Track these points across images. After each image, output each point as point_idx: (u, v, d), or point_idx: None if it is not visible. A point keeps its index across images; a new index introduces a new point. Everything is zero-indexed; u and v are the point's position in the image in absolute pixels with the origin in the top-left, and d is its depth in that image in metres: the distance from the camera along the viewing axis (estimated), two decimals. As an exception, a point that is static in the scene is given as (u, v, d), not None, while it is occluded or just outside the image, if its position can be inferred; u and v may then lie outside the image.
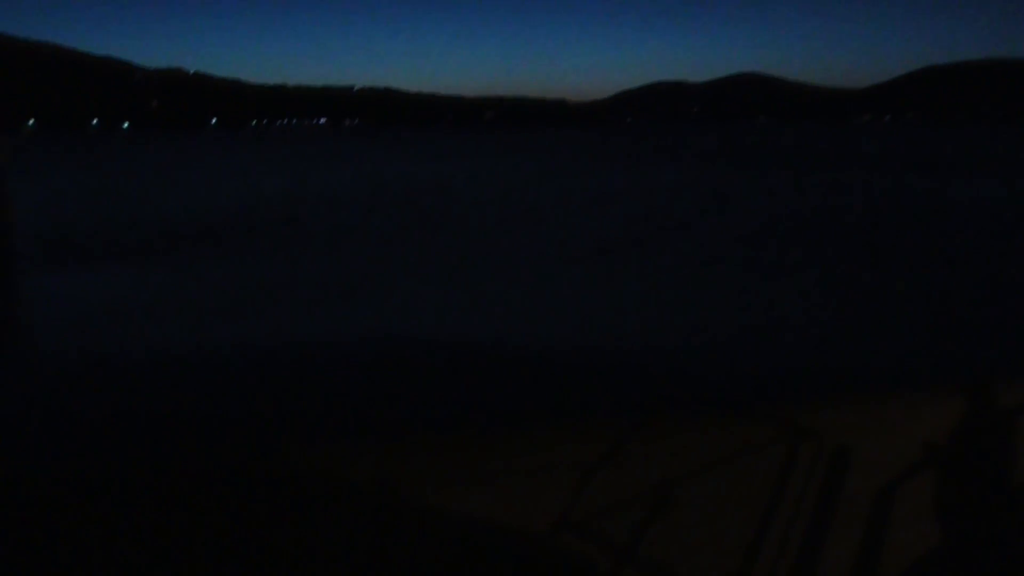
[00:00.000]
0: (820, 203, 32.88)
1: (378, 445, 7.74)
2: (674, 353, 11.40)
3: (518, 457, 6.99)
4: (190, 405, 9.29)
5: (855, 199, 34.53)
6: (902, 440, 6.89)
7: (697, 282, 16.94)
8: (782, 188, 40.26)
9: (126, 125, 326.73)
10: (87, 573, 5.04)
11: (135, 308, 14.62)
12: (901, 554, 5.05)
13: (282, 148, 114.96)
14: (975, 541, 5.30)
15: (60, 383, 10.22)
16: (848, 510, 5.58)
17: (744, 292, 15.81)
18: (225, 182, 49.22)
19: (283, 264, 19.68)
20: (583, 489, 6.07)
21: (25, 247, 21.60)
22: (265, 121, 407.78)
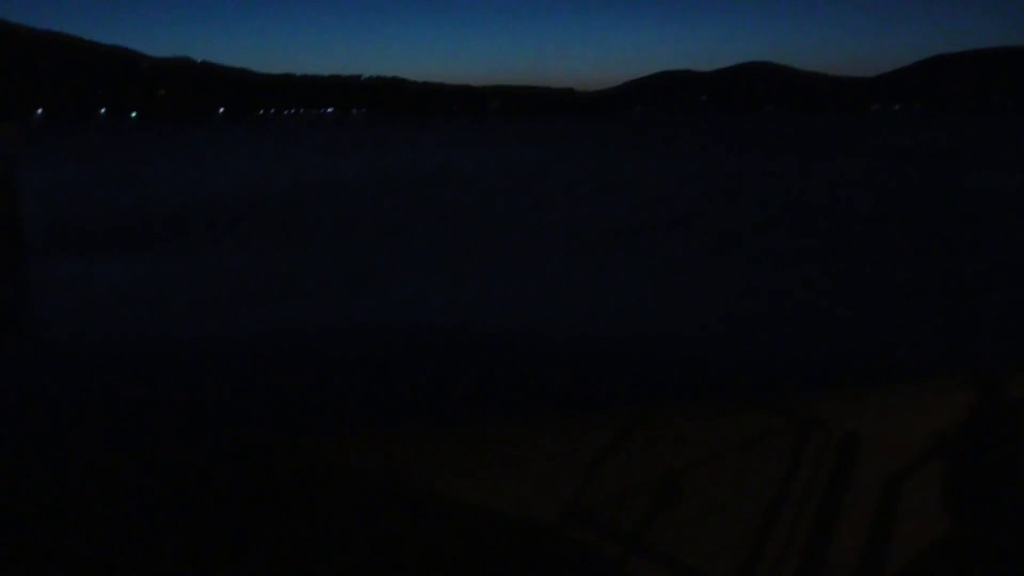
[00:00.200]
0: (829, 192, 32.73)
1: (386, 435, 7.74)
2: (683, 342, 11.37)
3: (526, 447, 6.98)
4: (198, 394, 9.31)
5: (864, 188, 34.35)
6: (910, 430, 6.85)
7: (706, 271, 16.89)
8: (791, 177, 40.07)
9: (133, 114, 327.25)
10: (94, 564, 5.03)
11: (142, 297, 14.66)
12: (909, 544, 5.02)
13: (289, 137, 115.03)
14: (983, 531, 5.30)
15: (67, 372, 10.26)
16: (856, 500, 5.56)
17: (753, 281, 15.75)
18: (232, 171, 49.27)
19: (290, 253, 19.70)
20: (591, 478, 6.06)
21: (33, 236, 21.67)
22: (272, 110, 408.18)
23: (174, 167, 53.60)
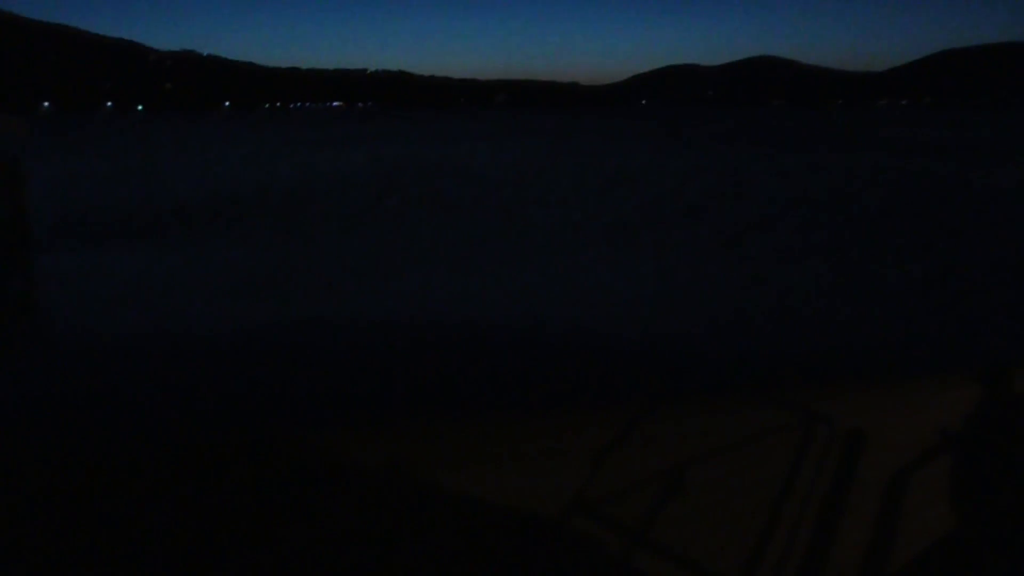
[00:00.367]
0: (836, 188, 32.61)
1: (391, 428, 7.76)
2: (688, 336, 11.36)
3: (531, 440, 6.99)
4: (202, 388, 9.34)
5: (871, 184, 34.22)
6: (916, 425, 6.84)
7: (711, 265, 16.86)
8: (798, 172, 39.94)
9: (140, 107, 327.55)
10: (99, 555, 5.04)
11: (148, 289, 14.70)
12: (913, 540, 5.03)
13: (295, 130, 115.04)
14: (987, 526, 5.30)
15: (73, 364, 10.30)
16: (860, 495, 5.56)
17: (758, 276, 15.72)
18: (239, 164, 49.32)
19: (295, 246, 19.72)
20: (596, 472, 6.06)
21: (40, 229, 21.74)
22: (279, 104, 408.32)
23: (180, 160, 53.66)
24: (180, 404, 8.78)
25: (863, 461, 6.11)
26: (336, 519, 5.43)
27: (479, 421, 7.96)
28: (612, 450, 6.49)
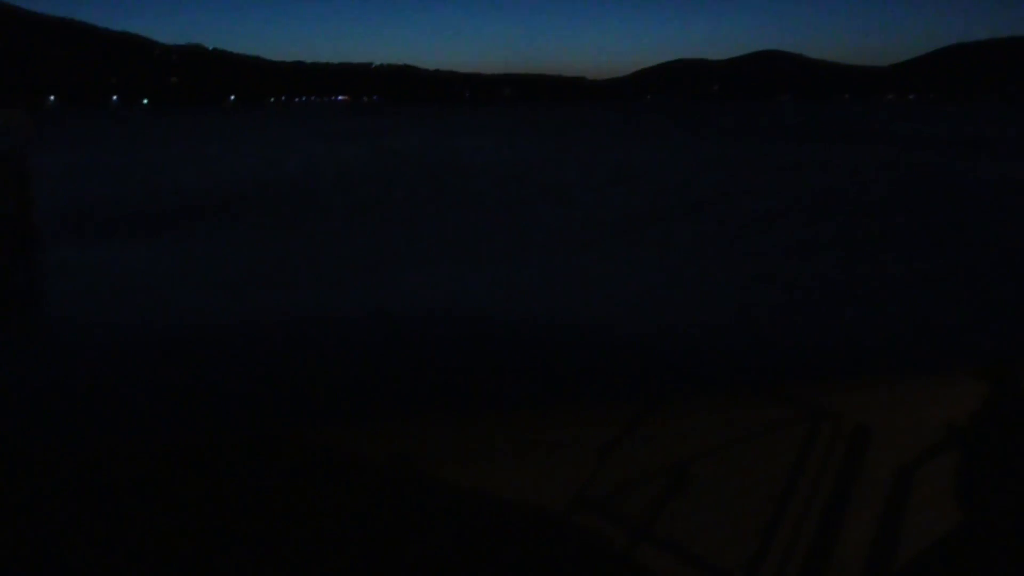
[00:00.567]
0: (842, 182, 32.49)
1: (395, 423, 7.76)
2: (694, 331, 11.33)
3: (535, 436, 6.98)
4: (207, 382, 9.35)
5: (879, 178, 34.09)
6: (921, 421, 6.82)
7: (718, 260, 16.82)
8: (804, 167, 39.81)
9: (145, 101, 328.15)
10: (101, 550, 5.03)
11: (154, 283, 14.72)
12: (918, 536, 5.02)
13: (301, 124, 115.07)
14: (993, 522, 5.30)
15: (78, 357, 10.32)
16: (866, 491, 5.54)
17: (765, 270, 15.68)
18: (244, 158, 49.35)
19: (301, 240, 19.73)
20: (601, 467, 6.05)
21: (45, 222, 21.79)
22: (284, 98, 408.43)
23: (186, 154, 53.71)
24: (183, 398, 8.79)
25: (868, 457, 6.08)
26: (340, 514, 5.43)
27: (483, 416, 7.96)
28: (616, 445, 6.48)
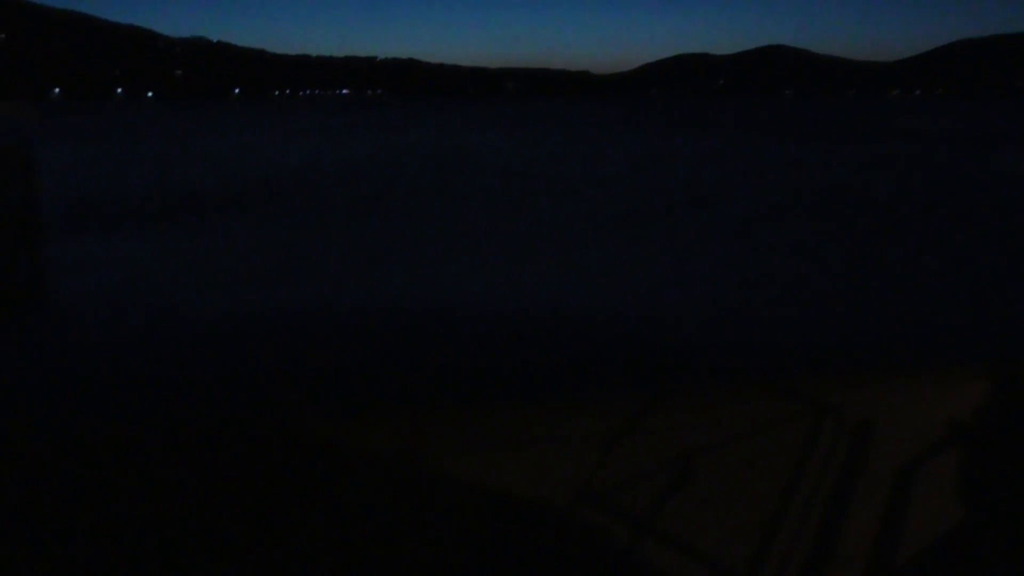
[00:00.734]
0: (848, 177, 32.42)
1: (398, 416, 7.76)
2: (698, 326, 11.32)
3: (539, 428, 6.99)
4: (209, 374, 9.37)
5: (885, 173, 34.00)
6: (925, 418, 6.81)
7: (723, 255, 16.80)
8: (809, 162, 39.72)
9: (150, 94, 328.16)
10: (103, 540, 5.04)
11: (157, 276, 14.75)
12: (921, 533, 5.03)
13: (305, 118, 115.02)
14: (997, 520, 5.29)
15: (82, 350, 10.35)
16: (869, 487, 5.54)
17: (770, 265, 15.66)
18: (248, 151, 49.36)
19: (304, 233, 19.73)
20: (604, 461, 6.06)
21: (50, 214, 21.81)
22: (288, 91, 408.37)
23: (190, 147, 53.73)
24: (187, 391, 8.81)
25: (872, 453, 6.08)
26: (342, 506, 5.43)
27: (487, 409, 7.96)
28: (620, 439, 6.49)
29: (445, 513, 5.36)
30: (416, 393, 8.71)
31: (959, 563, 4.86)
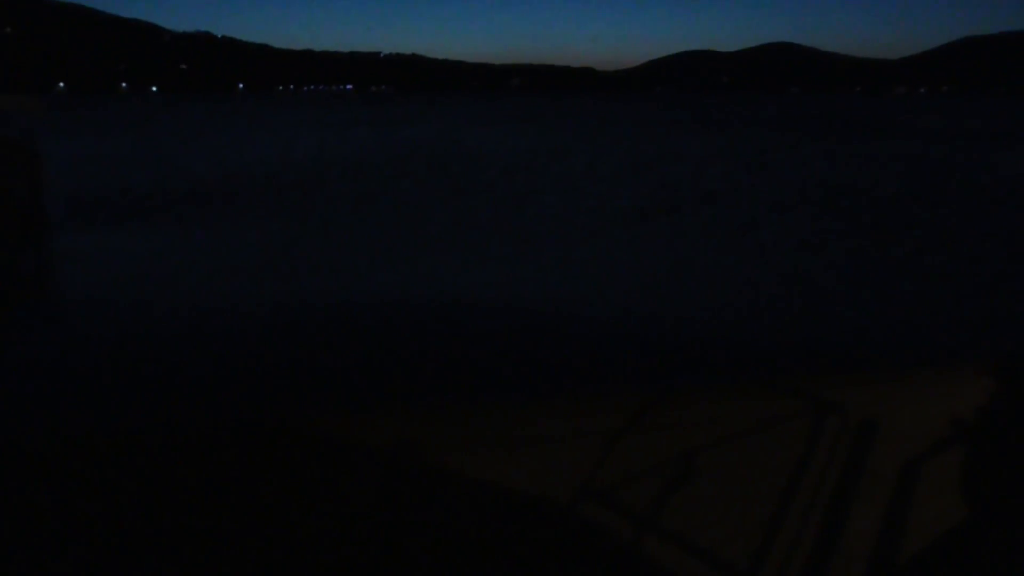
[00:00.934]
0: (853, 175, 32.34)
1: (399, 413, 7.78)
2: (702, 323, 11.32)
3: (543, 425, 7.00)
4: (212, 368, 9.39)
5: (889, 171, 33.91)
6: (928, 416, 6.81)
7: (727, 252, 16.78)
8: (814, 159, 39.63)
9: (155, 88, 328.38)
10: (106, 534, 5.04)
11: (162, 269, 14.77)
12: (923, 530, 5.03)
13: (309, 113, 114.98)
14: (999, 517, 5.29)
15: (86, 343, 10.37)
16: (872, 485, 5.54)
17: (774, 263, 15.65)
18: (252, 146, 49.37)
19: (308, 228, 19.75)
20: (606, 458, 6.07)
21: (55, 208, 21.85)
22: (292, 86, 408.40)
23: (195, 141, 53.76)
24: (191, 384, 8.83)
25: (874, 451, 6.09)
26: (344, 503, 5.42)
27: (490, 405, 7.97)
28: (623, 436, 6.49)
29: (447, 509, 5.35)
30: (418, 390, 8.72)
31: (962, 560, 4.84)
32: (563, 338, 10.58)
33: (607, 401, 7.76)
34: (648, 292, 13.42)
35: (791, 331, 11.03)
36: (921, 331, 11.15)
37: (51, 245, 18.06)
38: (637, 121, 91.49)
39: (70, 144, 47.30)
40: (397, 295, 12.85)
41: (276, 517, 5.20)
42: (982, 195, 26.43)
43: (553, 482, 5.66)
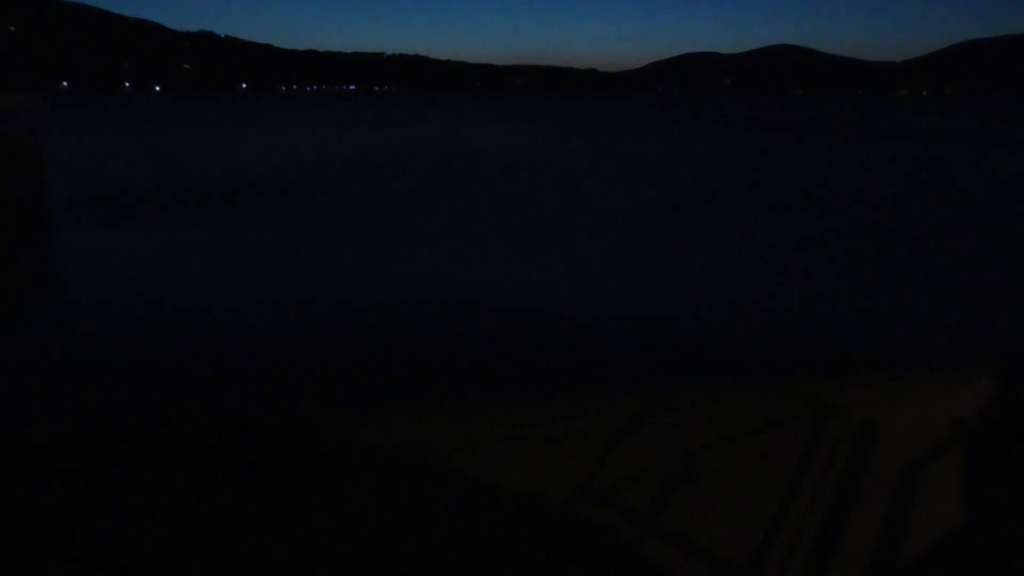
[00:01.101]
0: (855, 176, 32.33)
1: (400, 412, 7.77)
2: (703, 324, 11.32)
3: (543, 424, 6.99)
4: (213, 367, 9.39)
5: (891, 173, 33.89)
6: (929, 418, 6.79)
7: (728, 253, 16.77)
8: (817, 160, 39.62)
9: (158, 87, 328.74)
10: (107, 533, 5.04)
11: (164, 268, 14.78)
12: (924, 533, 5.02)
13: (311, 112, 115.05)
14: (1001, 520, 5.29)
15: (87, 341, 10.38)
16: (872, 487, 5.53)
17: (776, 264, 15.64)
18: (255, 145, 49.40)
19: (310, 226, 19.76)
20: (607, 458, 6.06)
21: (57, 206, 21.87)
22: (295, 86, 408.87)
23: (197, 140, 53.80)
24: (190, 382, 8.84)
25: (875, 453, 6.07)
26: (344, 502, 5.43)
27: (490, 405, 7.97)
28: (623, 436, 6.48)
29: (447, 509, 5.36)
30: (419, 388, 8.72)
31: (962, 563, 4.84)
32: (563, 338, 10.58)
33: (607, 401, 7.75)
34: (649, 292, 13.41)
35: (792, 332, 11.02)
36: (923, 333, 11.14)
37: (53, 242, 18.08)
38: (639, 122, 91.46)
39: (73, 142, 47.36)
40: (397, 294, 12.85)
41: (276, 516, 5.19)
42: (984, 197, 26.41)
43: (553, 482, 5.65)
